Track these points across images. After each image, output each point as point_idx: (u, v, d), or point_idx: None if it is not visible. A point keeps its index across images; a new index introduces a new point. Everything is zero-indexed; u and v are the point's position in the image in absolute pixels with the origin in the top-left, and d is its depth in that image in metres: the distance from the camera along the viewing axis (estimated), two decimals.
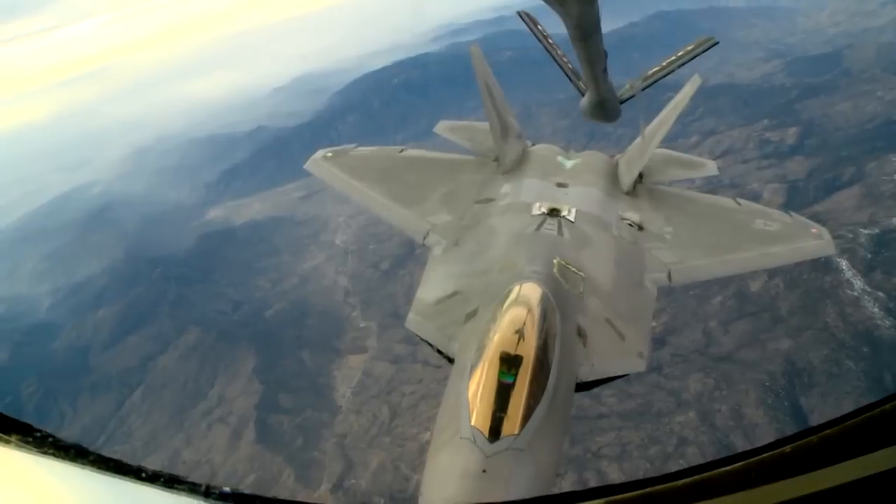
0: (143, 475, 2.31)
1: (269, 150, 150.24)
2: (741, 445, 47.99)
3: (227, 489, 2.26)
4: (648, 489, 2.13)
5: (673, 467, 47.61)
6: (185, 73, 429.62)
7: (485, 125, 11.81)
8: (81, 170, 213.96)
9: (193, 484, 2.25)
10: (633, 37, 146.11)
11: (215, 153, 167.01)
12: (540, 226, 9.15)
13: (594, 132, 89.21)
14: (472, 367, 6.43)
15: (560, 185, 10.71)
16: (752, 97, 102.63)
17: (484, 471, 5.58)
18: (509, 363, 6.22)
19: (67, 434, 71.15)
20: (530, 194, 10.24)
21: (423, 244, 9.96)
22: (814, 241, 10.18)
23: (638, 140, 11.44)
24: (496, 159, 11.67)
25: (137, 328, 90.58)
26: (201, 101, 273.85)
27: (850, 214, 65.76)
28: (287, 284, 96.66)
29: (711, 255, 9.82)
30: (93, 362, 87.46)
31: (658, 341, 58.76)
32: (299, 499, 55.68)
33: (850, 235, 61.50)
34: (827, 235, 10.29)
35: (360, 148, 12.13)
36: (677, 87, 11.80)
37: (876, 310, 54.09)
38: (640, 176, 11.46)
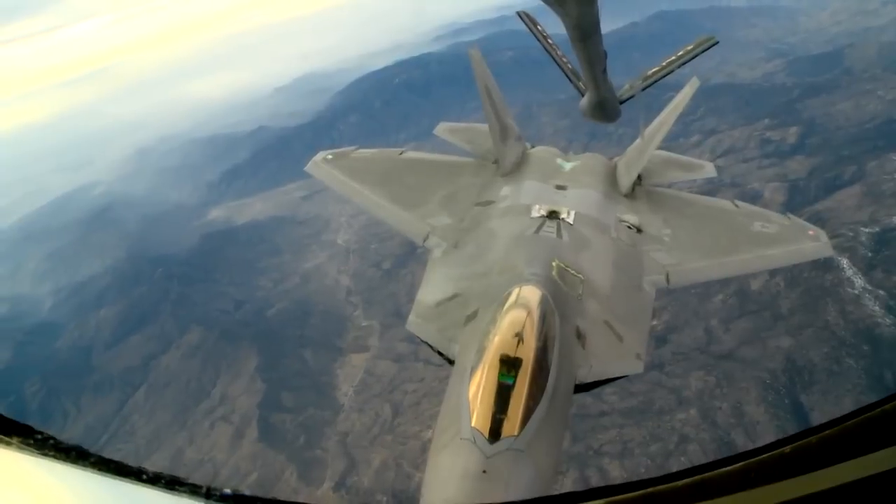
0: (144, 477, 2.32)
1: (271, 149, 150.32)
2: (742, 443, 48.16)
3: (227, 491, 2.26)
4: (649, 489, 2.14)
5: (674, 465, 47.72)
6: (187, 74, 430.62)
7: (484, 127, 11.83)
8: (83, 170, 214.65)
9: (194, 485, 2.25)
10: (634, 37, 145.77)
11: (217, 153, 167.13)
12: (539, 228, 9.19)
13: (595, 132, 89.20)
14: (473, 369, 6.48)
15: (559, 187, 10.77)
16: (753, 96, 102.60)
17: (484, 471, 5.62)
18: (509, 365, 6.27)
19: (71, 433, 71.63)
20: (529, 196, 10.28)
21: (424, 246, 10.01)
22: (811, 243, 10.24)
23: (637, 142, 11.49)
24: (496, 161, 11.71)
25: (140, 328, 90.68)
26: (203, 101, 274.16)
27: (851, 213, 65.73)
28: (289, 284, 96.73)
29: (709, 258, 9.87)
30: (95, 362, 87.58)
31: (659, 339, 58.94)
32: (301, 497, 55.81)
33: (851, 234, 61.52)
34: (824, 237, 10.35)
35: (361, 150, 12.16)
36: (677, 88, 11.79)
37: (876, 308, 54.11)
38: (639, 178, 11.50)
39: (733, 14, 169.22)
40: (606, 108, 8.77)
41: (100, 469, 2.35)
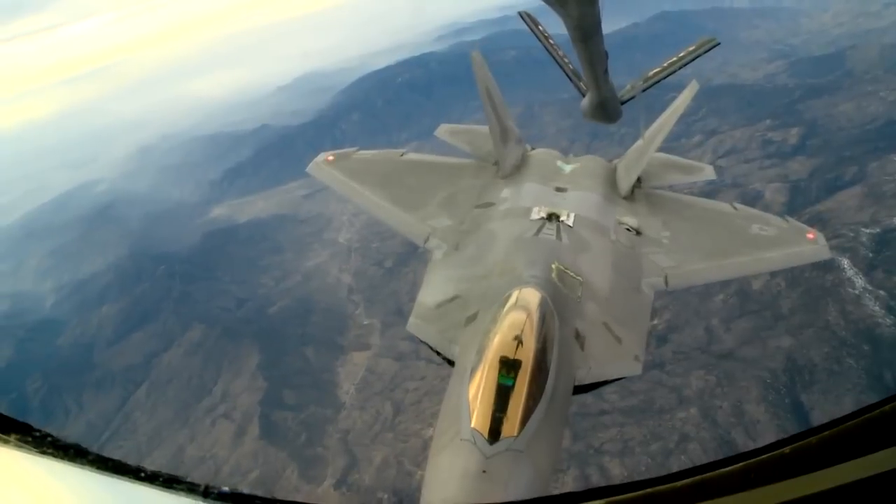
0: (142, 475, 2.32)
1: (273, 148, 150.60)
2: (742, 442, 48.20)
3: (225, 489, 2.26)
4: (649, 489, 2.14)
5: (674, 463, 47.78)
6: (189, 72, 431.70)
7: (485, 129, 11.87)
8: (86, 167, 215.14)
9: (192, 484, 2.25)
10: (636, 37, 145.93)
11: (219, 151, 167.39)
12: (539, 230, 9.23)
13: (597, 132, 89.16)
14: (473, 370, 6.51)
15: (559, 189, 10.82)
16: (755, 97, 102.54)
17: (484, 471, 5.66)
18: (508, 366, 6.31)
19: (72, 430, 71.73)
20: (529, 199, 10.33)
21: (424, 248, 10.04)
22: (809, 245, 10.25)
23: (637, 144, 11.50)
24: (496, 163, 11.76)
25: (142, 325, 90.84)
26: (205, 99, 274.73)
27: (852, 214, 65.74)
28: (291, 282, 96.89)
29: (708, 260, 9.90)
30: (97, 359, 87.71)
31: (660, 338, 59.03)
32: (302, 495, 55.89)
33: (852, 234, 61.57)
34: (822, 240, 10.34)
35: (362, 151, 12.19)
36: (679, 88, 11.79)
37: (877, 308, 54.13)
38: (639, 180, 11.54)
39: (736, 15, 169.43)
40: (608, 109, 8.75)
41: (98, 467, 2.35)
